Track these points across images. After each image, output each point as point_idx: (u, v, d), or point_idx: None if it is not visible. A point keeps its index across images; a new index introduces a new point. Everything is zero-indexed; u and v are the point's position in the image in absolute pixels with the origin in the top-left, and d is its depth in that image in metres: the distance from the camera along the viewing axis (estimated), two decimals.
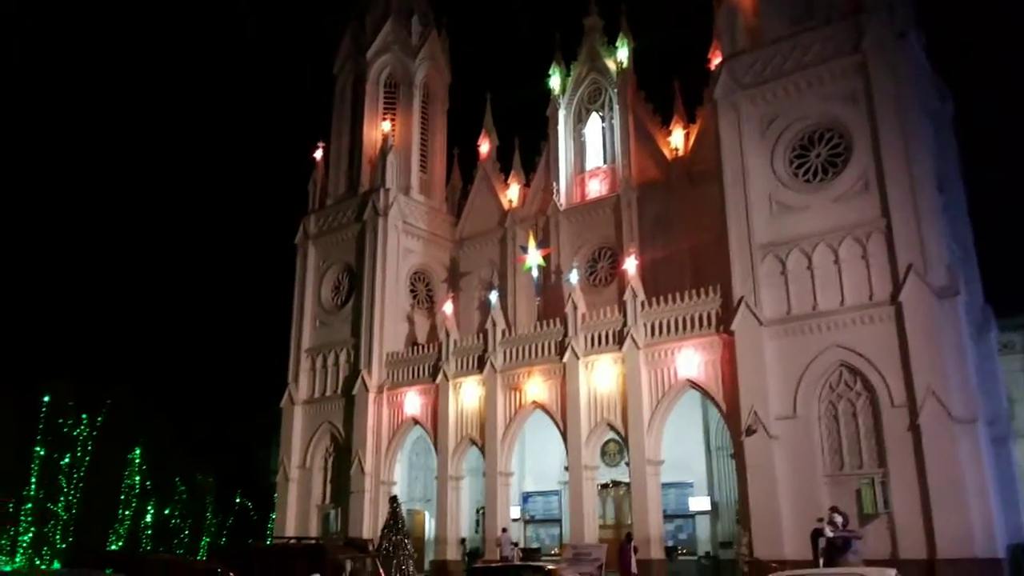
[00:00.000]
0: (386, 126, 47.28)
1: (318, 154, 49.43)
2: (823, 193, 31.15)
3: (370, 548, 20.48)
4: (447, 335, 40.67)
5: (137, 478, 49.85)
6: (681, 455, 35.24)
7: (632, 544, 29.95)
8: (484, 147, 48.20)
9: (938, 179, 30.89)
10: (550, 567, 20.50)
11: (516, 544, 35.34)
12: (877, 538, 26.77)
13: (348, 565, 14.95)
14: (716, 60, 36.60)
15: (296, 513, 42.85)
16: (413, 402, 40.86)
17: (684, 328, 33.25)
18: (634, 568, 28.91)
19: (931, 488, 26.23)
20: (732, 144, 33.26)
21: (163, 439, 51.15)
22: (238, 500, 55.66)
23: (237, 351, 69.06)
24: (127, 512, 49.16)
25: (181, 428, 53.81)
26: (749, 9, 35.43)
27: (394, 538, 26.27)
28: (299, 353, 45.63)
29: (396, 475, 41.40)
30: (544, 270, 41.50)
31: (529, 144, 46.62)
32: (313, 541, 18.95)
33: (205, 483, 54.41)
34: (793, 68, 32.71)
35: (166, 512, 52.62)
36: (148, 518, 50.68)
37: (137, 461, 49.86)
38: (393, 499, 30.53)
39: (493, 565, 24.25)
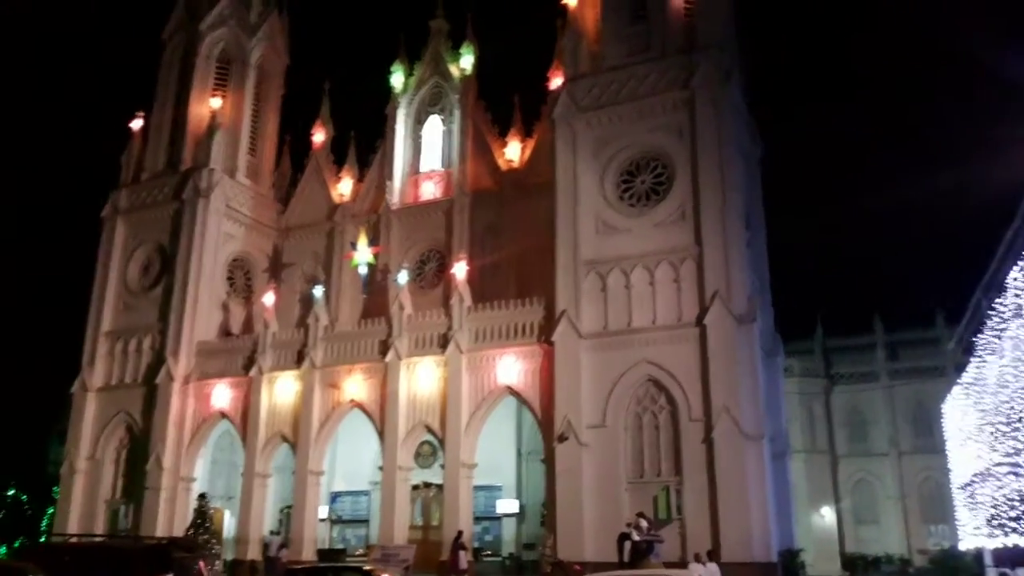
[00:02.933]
0: (215, 103, 45.08)
1: (136, 124, 46.29)
2: (645, 218, 33.04)
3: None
4: (265, 327, 39.31)
5: None
6: (492, 459, 36.02)
7: (461, 541, 30.28)
8: (318, 137, 47.00)
9: (745, 214, 33.65)
10: (367, 567, 20.37)
11: (285, 546, 34.14)
12: (669, 541, 28.54)
13: (202, 567, 13.97)
14: (556, 79, 37.96)
15: (81, 509, 39.64)
16: (222, 395, 39.11)
17: (507, 336, 34.10)
18: (463, 564, 29.23)
19: (719, 497, 28.53)
20: (566, 163, 34.55)
21: None
22: (12, 492, 50.70)
23: (14, 328, 62.69)
24: None
25: None
26: (592, 35, 37.05)
27: (201, 537, 25.03)
28: (96, 336, 42.38)
29: (197, 471, 39.39)
30: (372, 268, 41.07)
31: (365, 139, 46.10)
32: (160, 540, 17.37)
33: None
34: (628, 96, 34.50)
35: None
36: None
37: None
38: (202, 496, 29.25)
39: (307, 566, 23.65)
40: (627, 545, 20.49)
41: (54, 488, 46.39)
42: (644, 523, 20.97)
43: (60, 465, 42.49)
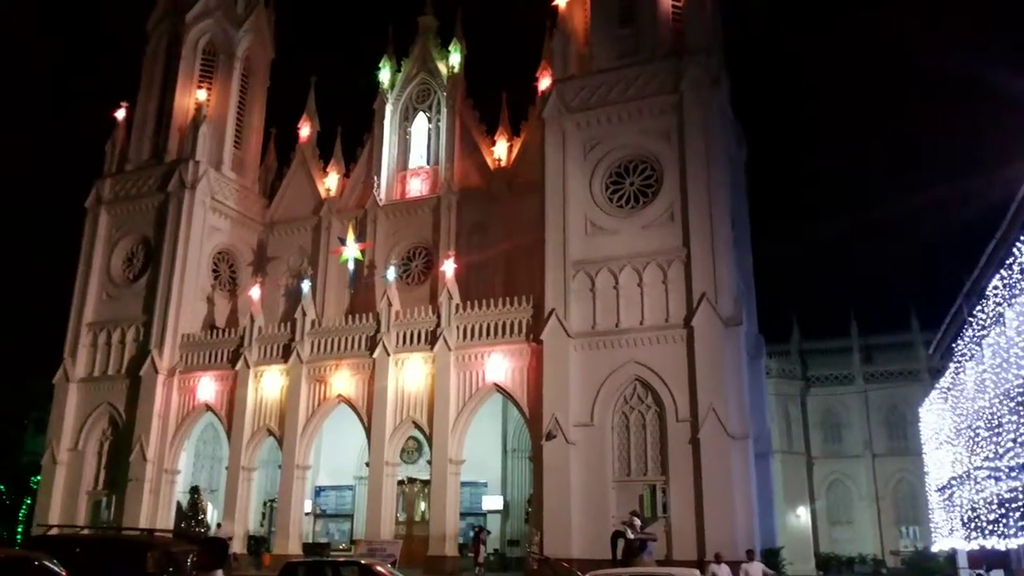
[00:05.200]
0: (201, 95, 44.86)
1: (120, 114, 45.89)
2: (634, 219, 33.45)
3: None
4: (251, 320, 39.23)
5: None
6: (478, 455, 36.27)
7: (481, 535, 30.55)
8: (305, 131, 46.91)
9: (732, 217, 34.19)
10: (364, 562, 20.60)
11: (230, 538, 33.89)
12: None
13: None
14: (544, 80, 38.31)
15: (63, 499, 39.32)
16: (208, 388, 38.99)
17: (495, 334, 34.35)
18: (481, 558, 29.49)
19: (705, 496, 29.05)
20: (555, 163, 34.85)
21: None
22: None
23: None
24: None
25: None
26: (581, 37, 37.40)
27: (195, 530, 25.07)
28: (79, 326, 42.03)
29: (181, 464, 39.26)
30: (360, 264, 41.12)
31: (352, 134, 46.10)
32: (168, 532, 17.32)
33: None
34: (617, 99, 34.87)
35: None
36: None
37: None
38: (194, 489, 29.23)
39: (307, 560, 23.78)
40: (620, 543, 20.87)
41: (32, 478, 45.93)
42: (638, 521, 21.35)
43: (37, 455, 42.12)
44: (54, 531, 19.36)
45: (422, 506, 38.06)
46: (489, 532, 33.92)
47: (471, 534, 37.23)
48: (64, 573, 11.79)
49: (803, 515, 47.37)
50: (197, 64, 46.05)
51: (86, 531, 23.38)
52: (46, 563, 11.66)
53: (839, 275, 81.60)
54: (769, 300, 40.81)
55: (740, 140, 39.62)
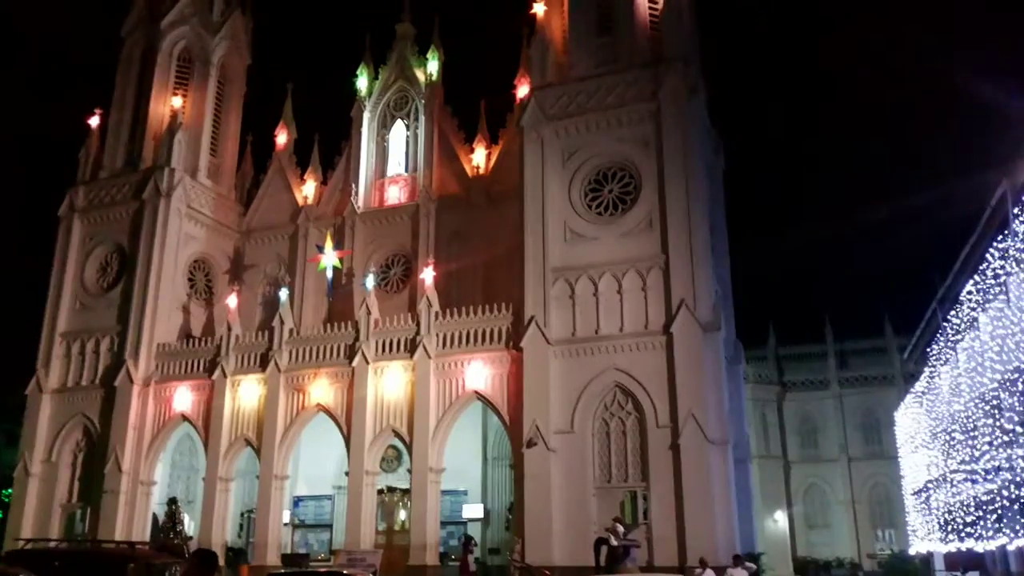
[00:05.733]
0: (176, 102, 44.50)
1: (94, 121, 45.41)
2: (613, 227, 33.58)
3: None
4: (228, 329, 38.86)
5: None
6: (458, 463, 36.13)
7: (470, 546, 30.36)
8: (281, 138, 46.67)
9: (710, 224, 34.42)
10: (346, 572, 20.43)
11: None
12: None
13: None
14: (522, 88, 38.42)
15: (36, 512, 38.65)
16: (184, 398, 38.54)
17: (475, 341, 34.30)
18: (472, 567, 29.33)
19: (685, 502, 29.14)
20: (534, 170, 34.93)
21: None
22: None
23: None
24: None
25: None
26: (559, 46, 37.57)
27: (173, 541, 24.75)
28: (52, 336, 41.45)
29: (157, 475, 38.77)
30: (338, 272, 40.92)
31: (329, 142, 45.95)
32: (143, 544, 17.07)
33: None
34: (595, 107, 35.03)
35: None
36: None
37: None
38: (172, 500, 28.84)
39: (288, 572, 23.51)
40: (603, 550, 20.90)
41: (3, 491, 45.18)
42: (621, 528, 21.40)
43: (8, 468, 41.36)
44: (30, 545, 19.03)
45: (402, 515, 37.83)
46: (476, 543, 33.76)
47: (457, 543, 37.13)
48: None
49: (781, 519, 47.78)
50: (172, 71, 45.71)
51: (64, 544, 22.97)
52: None
53: (814, 281, 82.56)
54: (745, 306, 41.18)
55: (717, 148, 39.94)
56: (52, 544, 20.53)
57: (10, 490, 40.91)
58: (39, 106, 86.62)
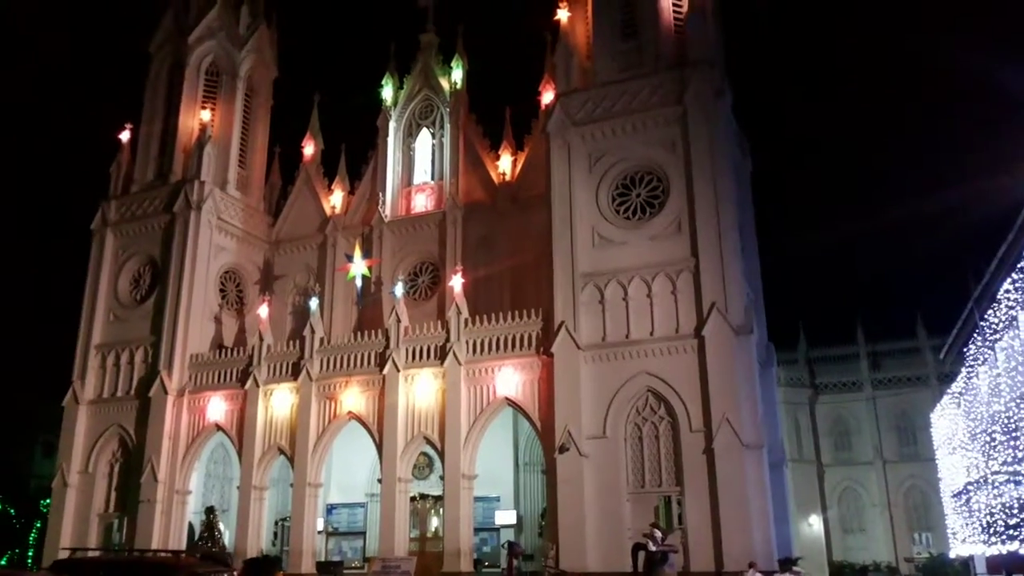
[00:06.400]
0: (205, 115, 45.05)
1: (124, 136, 46.07)
2: (641, 231, 33.49)
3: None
4: (260, 339, 39.17)
5: None
6: (490, 470, 36.13)
7: (516, 550, 30.40)
8: (308, 149, 47.09)
9: (739, 226, 34.22)
10: None
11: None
12: None
13: None
14: (547, 94, 38.50)
15: (74, 522, 39.18)
16: (217, 407, 38.90)
17: (505, 347, 34.31)
18: (514, 574, 29.33)
19: (721, 507, 28.91)
20: (561, 176, 34.93)
21: None
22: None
23: (5, 340, 61.87)
24: None
25: None
26: (583, 51, 37.59)
27: (211, 549, 24.99)
28: (87, 348, 42.04)
29: (192, 484, 39.16)
30: (367, 280, 41.17)
31: (356, 152, 46.29)
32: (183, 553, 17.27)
33: None
34: (621, 111, 34.98)
35: None
36: None
37: None
38: (210, 509, 29.11)
39: None
40: (641, 555, 20.79)
41: (41, 501, 45.82)
42: (659, 533, 21.29)
43: (46, 478, 42.03)
44: (76, 554, 19.27)
45: (434, 522, 37.91)
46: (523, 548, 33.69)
47: (490, 550, 37.11)
48: None
49: (815, 524, 47.23)
50: (200, 85, 46.27)
51: (109, 553, 23.22)
52: None
53: (844, 282, 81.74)
54: (775, 308, 40.88)
55: (745, 149, 39.73)
56: (95, 553, 20.79)
57: (48, 500, 41.49)
58: (71, 123, 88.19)
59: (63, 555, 27.26)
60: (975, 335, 25.78)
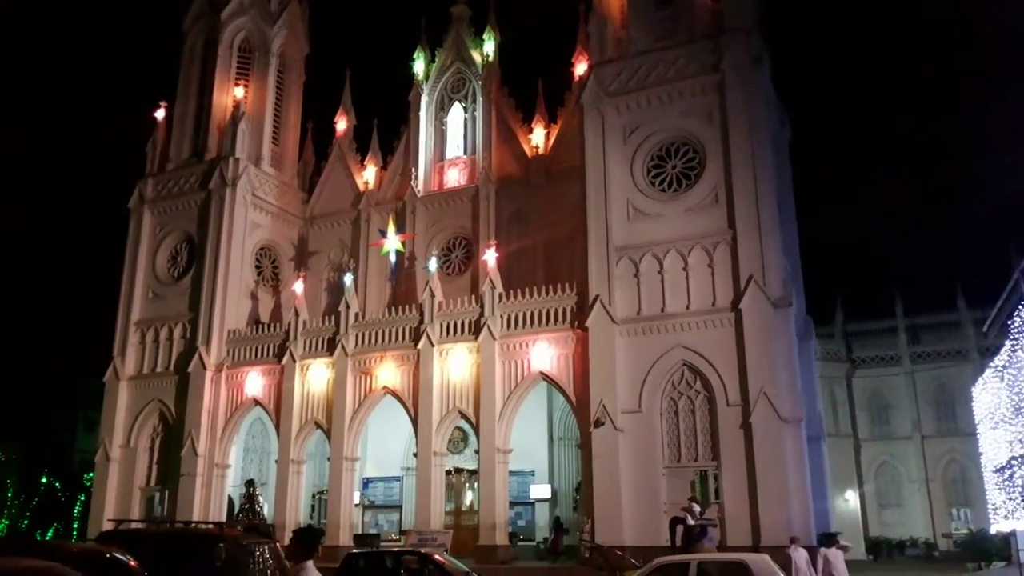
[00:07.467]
0: (238, 92, 45.22)
1: (159, 114, 46.43)
2: (677, 203, 33.05)
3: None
4: (296, 315, 39.49)
5: None
6: (524, 444, 36.19)
7: (561, 526, 30.56)
8: (341, 125, 47.12)
9: (777, 198, 33.63)
10: (424, 551, 20.72)
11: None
12: None
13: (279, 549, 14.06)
14: (580, 65, 37.99)
15: (116, 496, 40.04)
16: (255, 382, 39.36)
17: (539, 322, 34.21)
18: (560, 547, 29.48)
19: (759, 481, 28.67)
20: (595, 148, 34.52)
21: None
22: (44, 480, 51.14)
23: (46, 318, 63.20)
24: None
25: None
26: (617, 20, 36.94)
27: (252, 521, 25.37)
28: (127, 325, 42.68)
29: (231, 458, 39.79)
30: (400, 256, 41.25)
31: (388, 127, 46.21)
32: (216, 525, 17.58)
33: (5, 460, 49.60)
34: (656, 81, 34.40)
35: None
36: None
37: None
38: (250, 483, 29.57)
39: (368, 551, 23.97)
40: (679, 529, 20.71)
41: (84, 475, 46.86)
42: (697, 507, 21.17)
43: (89, 453, 42.84)
44: (121, 526, 19.64)
45: (469, 496, 38.16)
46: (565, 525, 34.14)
47: (525, 524, 37.32)
48: (135, 564, 11.90)
49: (852, 499, 46.81)
50: (234, 62, 46.40)
51: (153, 525, 23.67)
52: (118, 556, 11.78)
53: (881, 254, 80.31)
54: (811, 281, 40.29)
55: (783, 119, 38.99)
56: (140, 525, 21.20)
57: (91, 474, 42.38)
58: (107, 103, 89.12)
59: (108, 527, 27.96)
60: (1020, 307, 25.14)
